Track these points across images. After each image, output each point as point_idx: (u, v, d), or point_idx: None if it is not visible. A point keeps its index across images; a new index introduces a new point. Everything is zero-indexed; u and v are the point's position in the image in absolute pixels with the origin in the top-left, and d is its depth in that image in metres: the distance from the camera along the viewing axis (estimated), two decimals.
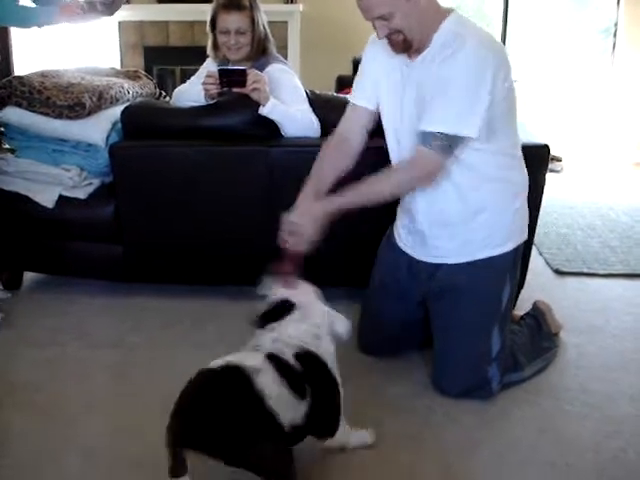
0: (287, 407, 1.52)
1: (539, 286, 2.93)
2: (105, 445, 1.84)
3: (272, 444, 1.48)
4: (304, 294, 1.76)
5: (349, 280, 1.93)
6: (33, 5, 2.82)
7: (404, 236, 2.19)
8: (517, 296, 2.60)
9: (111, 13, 2.81)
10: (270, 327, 1.69)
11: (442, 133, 1.83)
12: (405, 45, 1.90)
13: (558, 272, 3.17)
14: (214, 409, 1.44)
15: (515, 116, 2.04)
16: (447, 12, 1.90)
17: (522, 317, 2.41)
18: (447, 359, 2.12)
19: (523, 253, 2.18)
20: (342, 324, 1.71)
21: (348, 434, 1.79)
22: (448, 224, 2.05)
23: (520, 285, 2.59)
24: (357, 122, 2.14)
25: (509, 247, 2.07)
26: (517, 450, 1.85)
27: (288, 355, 1.60)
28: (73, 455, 1.82)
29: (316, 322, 1.69)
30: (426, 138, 1.86)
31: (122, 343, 2.45)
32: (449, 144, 1.86)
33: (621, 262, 3.28)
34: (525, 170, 2.12)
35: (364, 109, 2.12)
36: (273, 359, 1.56)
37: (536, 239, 2.72)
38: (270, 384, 1.50)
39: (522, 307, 2.49)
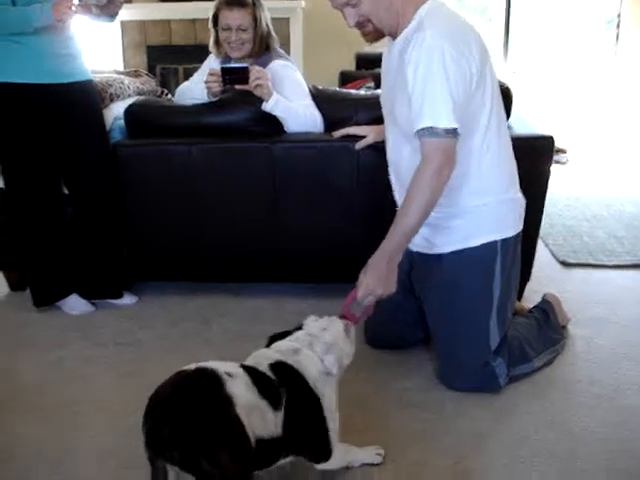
0: (257, 416, 1.44)
1: (545, 278, 2.92)
2: (114, 447, 1.83)
3: (230, 454, 1.36)
4: (324, 325, 1.69)
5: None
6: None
7: None
8: (523, 289, 2.60)
9: (110, 16, 2.55)
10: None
11: (433, 127, 1.75)
12: (376, 34, 1.89)
13: (564, 264, 3.16)
14: (179, 409, 1.38)
15: (499, 104, 1.97)
16: None
17: (531, 310, 2.40)
18: (447, 356, 2.11)
19: (529, 245, 2.14)
20: (328, 361, 1.61)
21: (351, 455, 1.71)
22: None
23: (526, 278, 2.59)
24: None
25: (493, 238, 2.01)
26: (527, 443, 1.85)
27: (264, 365, 1.56)
28: (81, 458, 1.81)
29: (300, 343, 1.63)
30: (423, 133, 1.78)
31: (125, 341, 2.46)
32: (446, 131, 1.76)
33: (628, 253, 3.27)
34: (514, 162, 2.05)
35: None
36: (247, 369, 1.52)
37: (542, 231, 2.71)
38: (241, 390, 1.43)
39: (529, 299, 2.49)
